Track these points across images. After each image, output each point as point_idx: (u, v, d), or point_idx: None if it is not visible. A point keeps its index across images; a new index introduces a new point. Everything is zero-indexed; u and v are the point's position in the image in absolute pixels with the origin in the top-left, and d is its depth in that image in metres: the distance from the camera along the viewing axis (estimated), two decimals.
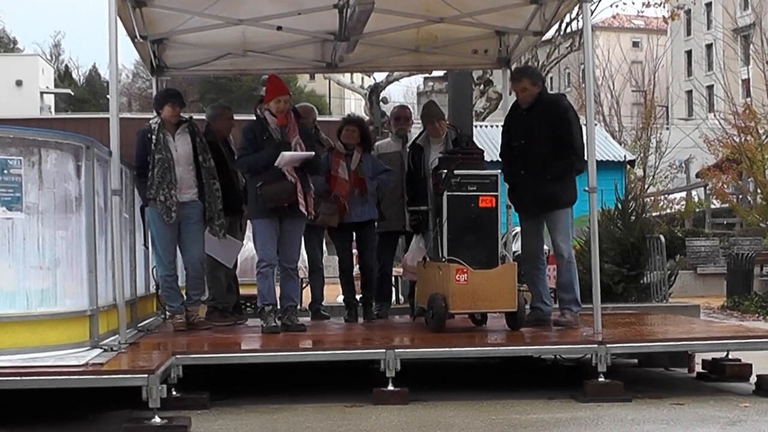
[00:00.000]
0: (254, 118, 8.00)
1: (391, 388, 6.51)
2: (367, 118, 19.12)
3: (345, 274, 8.83)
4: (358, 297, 8.92)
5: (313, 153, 7.81)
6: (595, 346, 6.76)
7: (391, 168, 8.72)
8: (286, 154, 7.63)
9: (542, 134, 7.69)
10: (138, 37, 8.60)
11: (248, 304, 10.51)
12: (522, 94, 7.88)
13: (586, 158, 7.58)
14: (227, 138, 8.83)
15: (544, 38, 10.01)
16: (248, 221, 8.58)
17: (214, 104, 9.78)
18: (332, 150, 8.62)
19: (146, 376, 5.59)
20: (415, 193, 8.51)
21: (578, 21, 21.16)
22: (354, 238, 8.84)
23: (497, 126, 23.98)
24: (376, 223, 8.77)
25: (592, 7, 20.06)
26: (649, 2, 23.63)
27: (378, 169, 8.60)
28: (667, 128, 42.59)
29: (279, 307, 7.91)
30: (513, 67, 9.67)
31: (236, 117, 9.10)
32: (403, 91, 58.89)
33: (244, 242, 9.29)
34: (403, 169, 8.83)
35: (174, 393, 6.16)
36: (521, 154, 7.83)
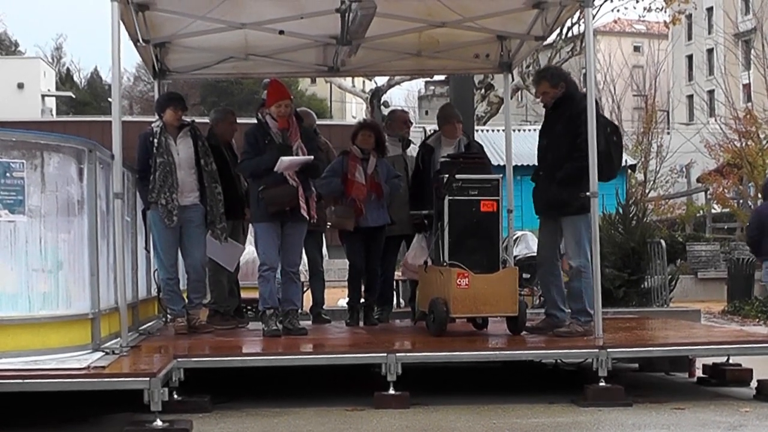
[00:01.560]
0: (255, 121, 8.01)
1: (392, 392, 6.51)
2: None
3: (354, 279, 8.82)
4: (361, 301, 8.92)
5: (312, 157, 7.82)
6: (596, 350, 6.77)
7: (400, 173, 8.76)
8: (284, 159, 7.64)
9: (559, 134, 7.56)
10: (140, 40, 8.60)
11: (249, 307, 10.52)
12: (543, 96, 7.74)
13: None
14: (230, 142, 8.85)
15: (545, 43, 10.00)
16: (250, 225, 8.59)
17: (218, 108, 9.80)
18: (348, 153, 8.62)
19: (148, 379, 5.61)
20: (422, 193, 8.46)
21: (580, 25, 21.17)
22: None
23: (498, 130, 24.06)
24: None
25: (594, 12, 20.06)
26: (650, 7, 23.61)
27: (391, 174, 8.63)
28: (668, 133, 42.56)
29: (280, 310, 7.92)
30: (516, 69, 9.61)
31: (238, 120, 9.11)
32: (404, 95, 58.91)
33: (246, 246, 9.30)
34: (407, 172, 8.86)
35: (175, 396, 6.17)
36: (542, 153, 7.75)
